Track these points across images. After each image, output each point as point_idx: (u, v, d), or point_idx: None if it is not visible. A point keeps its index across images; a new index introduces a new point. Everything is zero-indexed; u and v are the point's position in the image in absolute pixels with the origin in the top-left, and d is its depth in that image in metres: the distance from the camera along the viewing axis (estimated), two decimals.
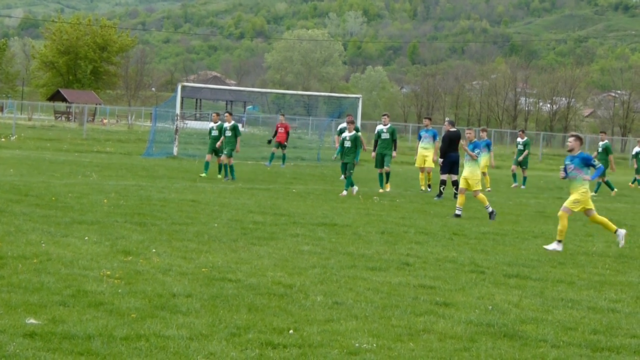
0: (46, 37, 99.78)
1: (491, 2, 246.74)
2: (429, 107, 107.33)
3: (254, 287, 9.68)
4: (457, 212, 18.57)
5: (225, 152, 25.94)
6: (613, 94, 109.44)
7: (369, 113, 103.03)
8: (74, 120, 75.71)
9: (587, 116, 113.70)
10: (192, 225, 14.58)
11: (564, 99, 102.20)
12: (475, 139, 19.22)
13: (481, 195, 18.64)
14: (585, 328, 8.67)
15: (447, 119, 25.41)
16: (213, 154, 26.80)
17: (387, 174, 24.54)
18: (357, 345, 7.52)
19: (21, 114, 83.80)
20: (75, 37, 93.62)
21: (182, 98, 44.05)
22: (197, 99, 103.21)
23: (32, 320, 7.66)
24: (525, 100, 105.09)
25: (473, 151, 18.50)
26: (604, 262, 13.25)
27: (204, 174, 26.11)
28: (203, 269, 10.55)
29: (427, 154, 25.13)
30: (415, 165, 25.93)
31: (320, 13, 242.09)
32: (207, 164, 26.58)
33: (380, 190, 23.88)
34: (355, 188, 22.31)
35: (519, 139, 31.87)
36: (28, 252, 10.92)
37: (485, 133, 28.02)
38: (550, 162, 58.45)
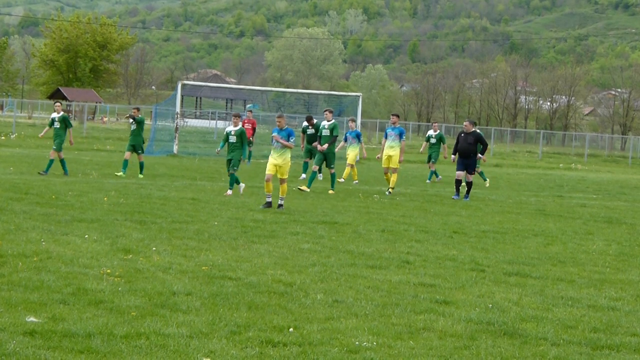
0: (46, 35, 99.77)
1: (491, 1, 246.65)
2: (429, 106, 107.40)
3: (254, 285, 9.68)
4: (267, 199, 17.76)
5: (54, 147, 23.59)
6: (613, 92, 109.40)
7: (369, 111, 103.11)
8: (74, 119, 75.64)
9: (587, 114, 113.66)
10: (192, 223, 14.58)
11: (564, 97, 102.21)
12: (287, 126, 18.16)
13: (284, 186, 17.94)
14: (585, 326, 8.67)
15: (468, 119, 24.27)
16: (132, 151, 24.66)
17: (333, 176, 23.05)
18: (357, 343, 7.52)
19: (21, 112, 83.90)
20: (75, 36, 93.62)
21: (182, 96, 44.08)
22: (197, 97, 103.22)
23: (32, 319, 7.66)
24: (525, 98, 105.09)
25: (288, 140, 17.90)
26: (604, 260, 13.26)
27: (121, 173, 23.90)
28: (203, 267, 10.56)
29: (392, 153, 23.14)
30: (382, 165, 23.74)
31: (320, 11, 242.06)
32: (125, 162, 24.24)
33: (331, 191, 22.40)
34: (242, 185, 20.54)
35: (431, 132, 30.10)
36: (28, 250, 10.92)
37: (353, 123, 26.26)
38: (550, 160, 58.43)
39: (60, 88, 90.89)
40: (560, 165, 53.37)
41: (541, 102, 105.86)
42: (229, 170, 20.33)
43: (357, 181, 26.49)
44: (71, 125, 24.20)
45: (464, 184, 23.10)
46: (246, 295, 9.16)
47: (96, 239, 12.20)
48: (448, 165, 35.09)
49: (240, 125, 20.43)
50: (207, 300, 8.84)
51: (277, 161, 18.03)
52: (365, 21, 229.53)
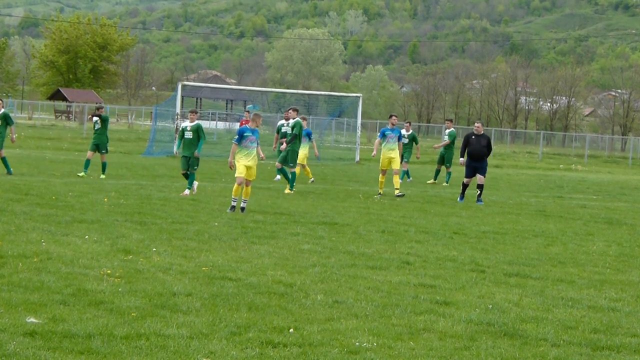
0: (46, 36, 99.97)
1: (491, 1, 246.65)
2: (429, 107, 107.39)
3: (254, 286, 9.68)
4: (233, 203, 17.09)
5: None
6: (613, 93, 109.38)
7: (369, 112, 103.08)
8: (74, 120, 75.75)
9: (587, 115, 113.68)
10: (193, 224, 14.58)
11: (564, 98, 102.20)
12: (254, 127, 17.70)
13: (249, 189, 17.37)
14: (586, 327, 8.67)
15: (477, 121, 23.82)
16: (95, 151, 24.21)
17: (293, 175, 22.70)
18: (357, 344, 7.52)
19: (21, 113, 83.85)
20: (75, 36, 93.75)
21: (182, 97, 44.10)
22: (197, 98, 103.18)
23: (33, 319, 7.66)
24: (526, 99, 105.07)
25: (252, 136, 17.37)
26: (604, 261, 13.25)
27: (82, 174, 23.52)
28: (203, 268, 10.55)
29: (393, 155, 22.78)
30: (381, 167, 23.16)
31: (320, 12, 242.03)
32: (87, 162, 24.03)
33: (287, 191, 22.14)
34: (196, 183, 20.12)
35: (403, 132, 28.74)
36: (28, 251, 10.92)
37: (305, 122, 25.50)
38: (550, 161, 58.43)
39: (60, 89, 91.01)
40: (561, 166, 53.38)
41: (541, 103, 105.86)
42: (183, 169, 19.95)
43: (313, 179, 26.10)
44: (12, 123, 23.62)
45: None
46: (246, 296, 9.16)
47: (96, 240, 12.20)
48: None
49: (196, 121, 20.13)
50: (207, 301, 8.84)
51: (248, 163, 17.43)
52: (365, 22, 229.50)
